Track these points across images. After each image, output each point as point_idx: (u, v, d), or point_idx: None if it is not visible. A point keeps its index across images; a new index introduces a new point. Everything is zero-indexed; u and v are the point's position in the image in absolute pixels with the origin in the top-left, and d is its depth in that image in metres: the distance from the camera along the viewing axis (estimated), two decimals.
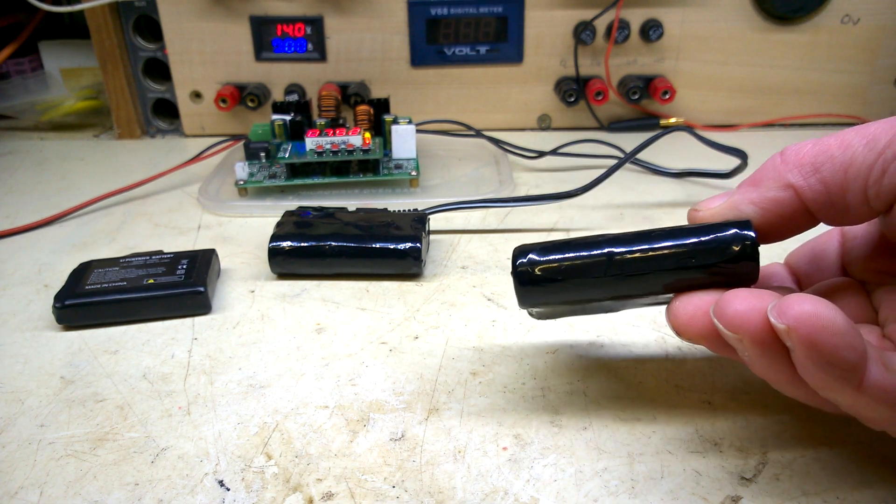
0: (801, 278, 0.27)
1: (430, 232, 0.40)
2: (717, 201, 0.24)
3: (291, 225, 0.37)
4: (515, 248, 0.25)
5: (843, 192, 0.21)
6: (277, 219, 0.38)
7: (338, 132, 0.45)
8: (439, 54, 0.57)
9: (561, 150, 0.52)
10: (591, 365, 0.29)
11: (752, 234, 0.22)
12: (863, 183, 0.21)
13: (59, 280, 0.36)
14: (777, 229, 0.23)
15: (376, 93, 0.58)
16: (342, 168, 0.46)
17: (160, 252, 0.36)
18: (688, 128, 0.48)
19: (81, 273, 0.34)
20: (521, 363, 0.29)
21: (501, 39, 0.56)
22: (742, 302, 0.20)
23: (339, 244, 0.36)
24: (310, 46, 0.56)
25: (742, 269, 0.22)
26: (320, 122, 0.48)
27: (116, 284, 0.33)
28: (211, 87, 0.58)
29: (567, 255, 0.23)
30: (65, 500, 0.23)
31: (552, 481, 0.23)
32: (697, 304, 0.22)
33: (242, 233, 0.42)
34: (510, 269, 0.24)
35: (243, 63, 0.57)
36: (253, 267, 0.38)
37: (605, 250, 0.23)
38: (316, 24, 0.56)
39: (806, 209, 0.22)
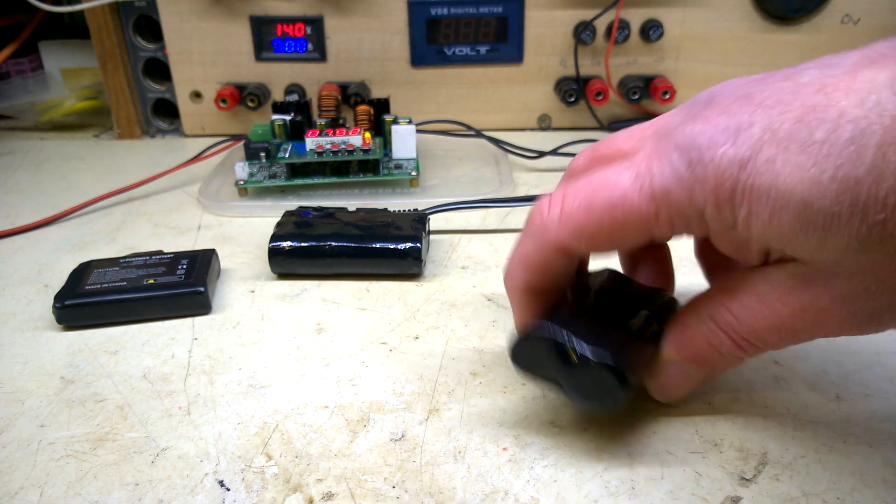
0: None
1: (430, 232, 0.40)
2: None
3: (291, 225, 0.37)
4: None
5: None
6: (277, 219, 0.38)
7: (338, 132, 0.45)
8: (439, 54, 0.57)
9: (561, 150, 0.52)
10: None
11: None
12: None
13: (59, 280, 0.36)
14: None
15: (376, 93, 0.58)
16: (342, 168, 0.46)
17: (160, 252, 0.36)
18: None
19: (81, 273, 0.34)
20: None
21: (501, 39, 0.56)
22: None
23: (340, 244, 0.36)
24: (310, 46, 0.56)
25: None
26: (320, 122, 0.48)
27: (116, 284, 0.33)
28: (211, 87, 0.58)
29: None
30: (65, 500, 0.23)
31: (552, 482, 0.23)
32: None
33: (242, 233, 0.42)
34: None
35: (243, 63, 0.57)
36: (253, 267, 0.38)
37: None
38: (316, 24, 0.56)
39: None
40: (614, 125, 0.58)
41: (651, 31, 0.54)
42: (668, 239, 0.24)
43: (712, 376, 0.25)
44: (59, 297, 0.33)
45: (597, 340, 0.23)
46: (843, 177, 0.18)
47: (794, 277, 0.21)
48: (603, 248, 0.24)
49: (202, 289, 0.33)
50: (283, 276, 0.37)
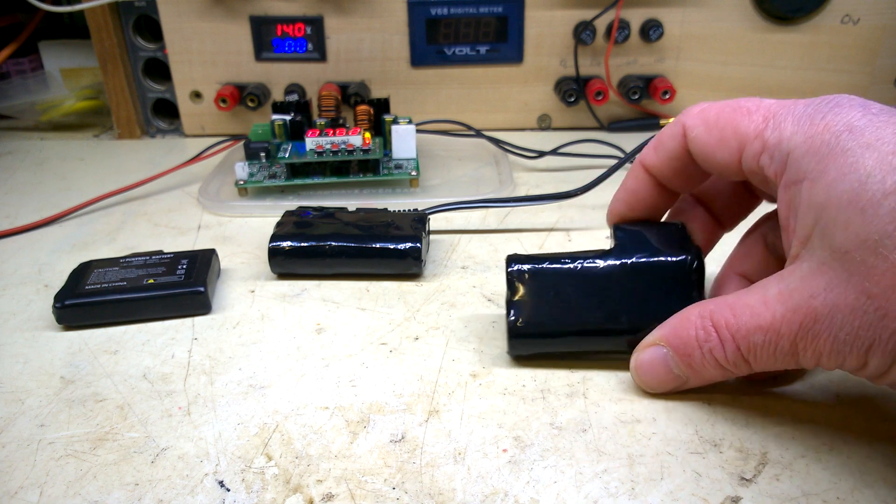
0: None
1: (430, 232, 0.40)
2: None
3: (291, 225, 0.37)
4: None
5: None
6: (277, 219, 0.38)
7: (338, 132, 0.45)
8: (439, 54, 0.57)
9: (561, 150, 0.52)
10: (591, 366, 0.29)
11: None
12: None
13: (59, 280, 0.36)
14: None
15: (376, 93, 0.58)
16: (342, 168, 0.46)
17: (160, 252, 0.36)
18: None
19: (81, 273, 0.34)
20: (521, 365, 0.29)
21: (501, 39, 0.56)
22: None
23: (340, 244, 0.36)
24: (310, 46, 0.56)
25: None
26: (320, 122, 0.48)
27: (116, 284, 0.33)
28: (211, 87, 0.58)
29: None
30: (65, 500, 0.23)
31: (552, 483, 0.23)
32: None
33: (242, 233, 0.42)
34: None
35: (243, 63, 0.57)
36: (253, 267, 0.38)
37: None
38: (316, 24, 0.56)
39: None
40: (614, 125, 0.58)
41: (651, 31, 0.54)
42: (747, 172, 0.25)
43: (694, 380, 0.26)
44: (59, 297, 0.33)
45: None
46: None
47: (811, 266, 0.22)
48: (718, 150, 0.25)
49: (202, 289, 0.33)
50: (283, 276, 0.37)
